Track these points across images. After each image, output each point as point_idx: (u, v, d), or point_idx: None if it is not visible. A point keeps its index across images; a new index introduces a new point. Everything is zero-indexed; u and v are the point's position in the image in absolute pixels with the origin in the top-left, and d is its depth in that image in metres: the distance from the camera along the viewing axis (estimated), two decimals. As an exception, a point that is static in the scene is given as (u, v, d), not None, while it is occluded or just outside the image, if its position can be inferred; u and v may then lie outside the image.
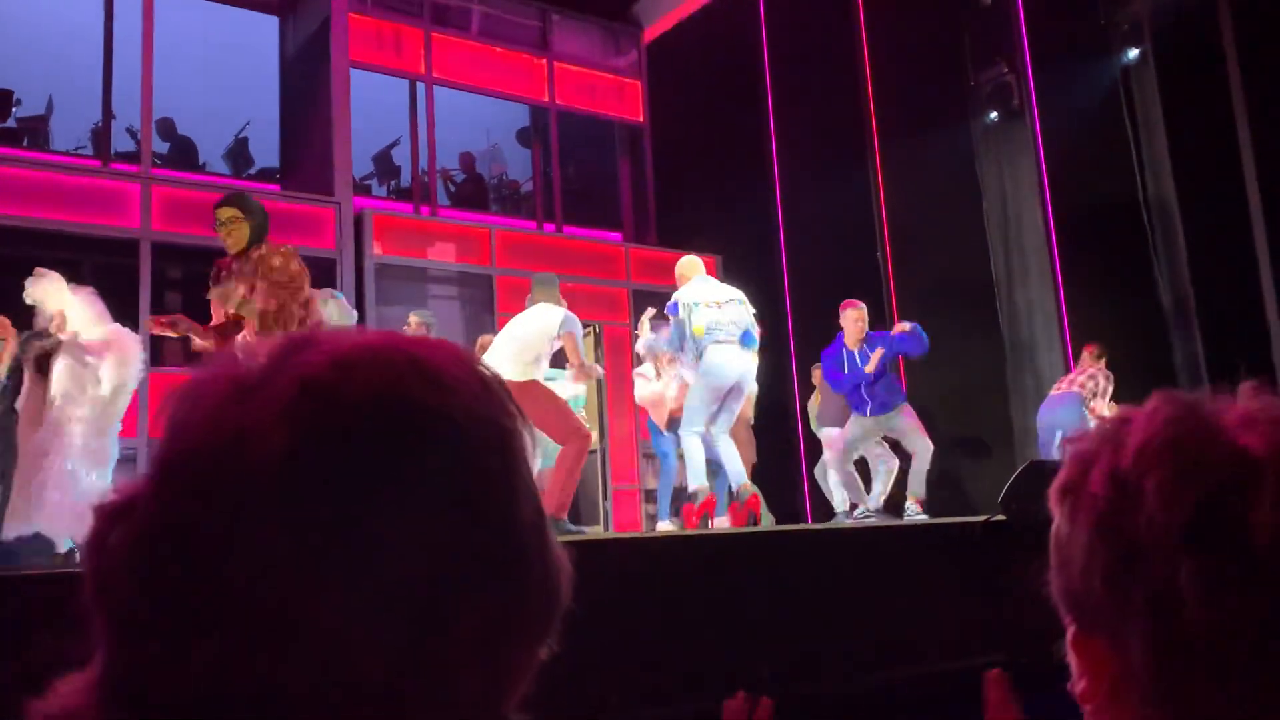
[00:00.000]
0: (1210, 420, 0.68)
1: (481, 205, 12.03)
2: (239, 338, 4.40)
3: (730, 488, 6.20)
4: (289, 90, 10.86)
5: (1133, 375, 7.91)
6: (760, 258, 10.80)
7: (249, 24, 10.87)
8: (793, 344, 10.24)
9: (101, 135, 9.75)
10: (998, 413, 9.22)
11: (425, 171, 10.93)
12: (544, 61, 11.61)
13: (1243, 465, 0.65)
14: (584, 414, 7.95)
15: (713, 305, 6.10)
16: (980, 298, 9.50)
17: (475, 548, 0.50)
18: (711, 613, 2.87)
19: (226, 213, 4.46)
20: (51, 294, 5.64)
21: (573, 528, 5.44)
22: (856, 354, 7.06)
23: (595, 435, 8.15)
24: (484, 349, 6.28)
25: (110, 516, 0.50)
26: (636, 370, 7.98)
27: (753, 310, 6.30)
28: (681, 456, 6.54)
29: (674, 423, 7.22)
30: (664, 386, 7.66)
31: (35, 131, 9.98)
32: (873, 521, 6.62)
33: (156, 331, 4.62)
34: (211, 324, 4.59)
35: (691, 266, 6.41)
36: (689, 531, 5.76)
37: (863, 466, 7.53)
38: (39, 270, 5.75)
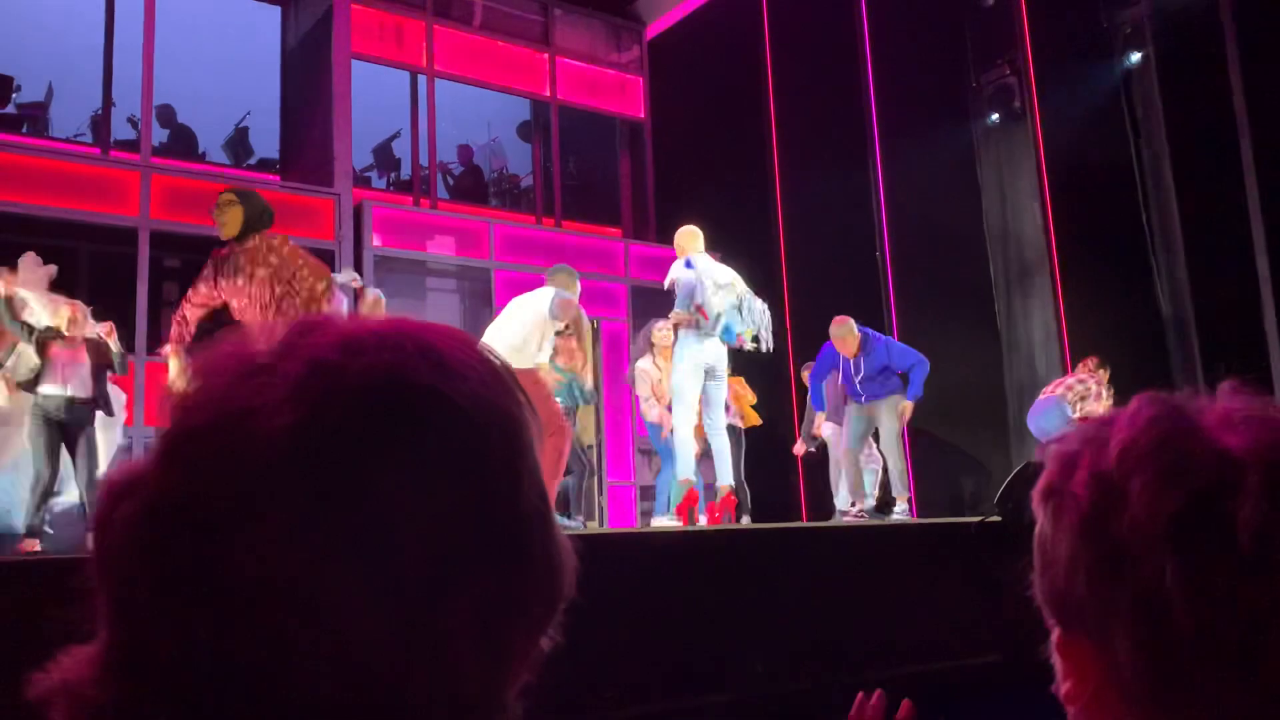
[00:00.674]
0: (1192, 420, 0.68)
1: (480, 198, 12.03)
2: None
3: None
4: (290, 81, 10.85)
5: (1129, 379, 7.92)
6: (759, 256, 10.79)
7: (251, 13, 10.85)
8: (790, 343, 10.23)
9: (101, 123, 9.74)
10: (995, 413, 9.23)
11: (426, 165, 10.93)
12: (546, 56, 11.61)
13: (1225, 465, 0.65)
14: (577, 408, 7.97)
15: (712, 285, 6.10)
16: (979, 299, 9.51)
17: (478, 528, 0.51)
18: (705, 608, 2.87)
19: (224, 196, 4.45)
20: None
21: (564, 520, 5.45)
22: (853, 364, 7.07)
23: (591, 431, 8.17)
24: None
25: (117, 493, 0.50)
26: (639, 366, 7.95)
27: (750, 293, 6.24)
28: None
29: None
30: (665, 377, 7.66)
31: (35, 118, 9.97)
32: (866, 521, 6.62)
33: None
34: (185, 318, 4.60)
35: (692, 238, 6.38)
36: (684, 528, 5.76)
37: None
38: None
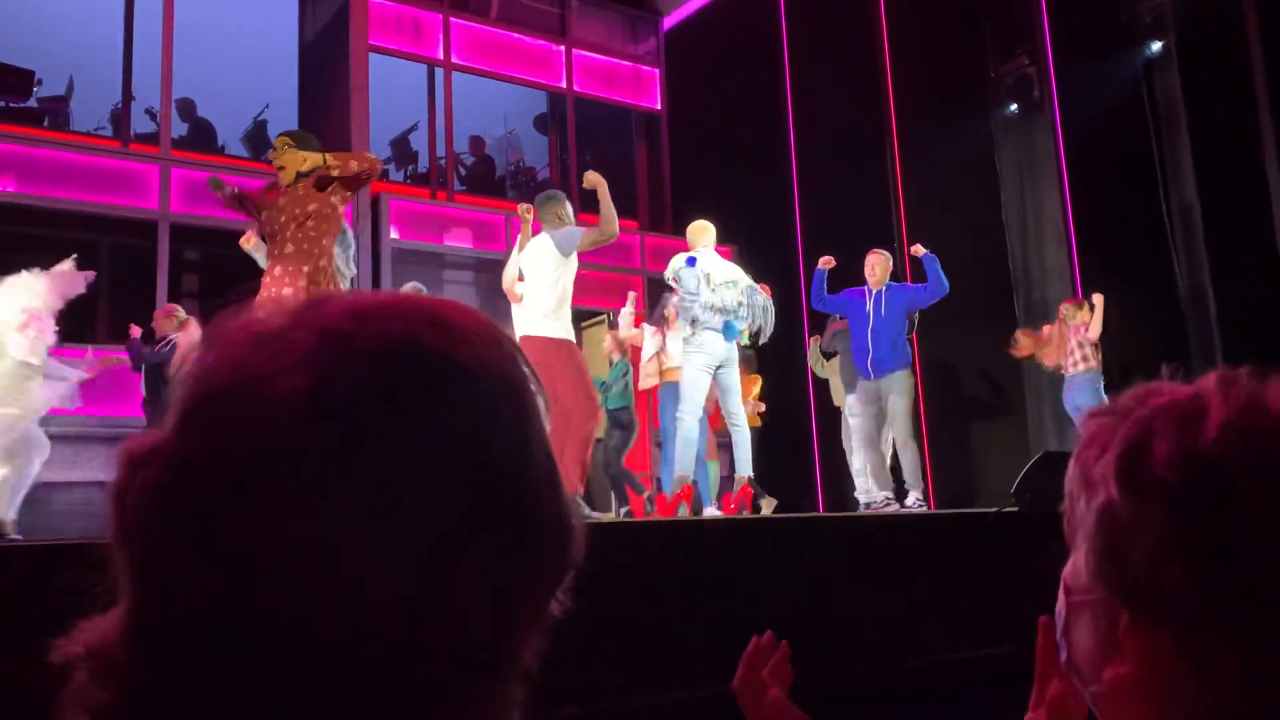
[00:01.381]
0: (1272, 404, 0.66)
1: (492, 187, 12.04)
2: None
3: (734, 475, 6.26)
4: (308, 74, 10.89)
5: (1150, 370, 7.84)
6: (776, 248, 10.77)
7: (269, 7, 10.90)
8: (806, 336, 10.21)
9: (121, 116, 9.80)
10: (1015, 405, 9.19)
11: (443, 157, 10.95)
12: (562, 48, 11.60)
13: None
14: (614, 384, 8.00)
15: (714, 286, 6.10)
16: (998, 290, 9.46)
17: (488, 487, 0.52)
18: (717, 598, 2.87)
19: (279, 140, 4.58)
20: None
21: (586, 511, 5.45)
22: (881, 294, 7.06)
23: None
24: None
25: (133, 463, 0.51)
26: (647, 326, 8.01)
27: (754, 288, 6.24)
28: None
29: (670, 387, 7.27)
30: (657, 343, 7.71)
31: (56, 112, 10.03)
32: (883, 512, 6.59)
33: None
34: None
35: (700, 232, 6.41)
36: (697, 518, 5.76)
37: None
38: None
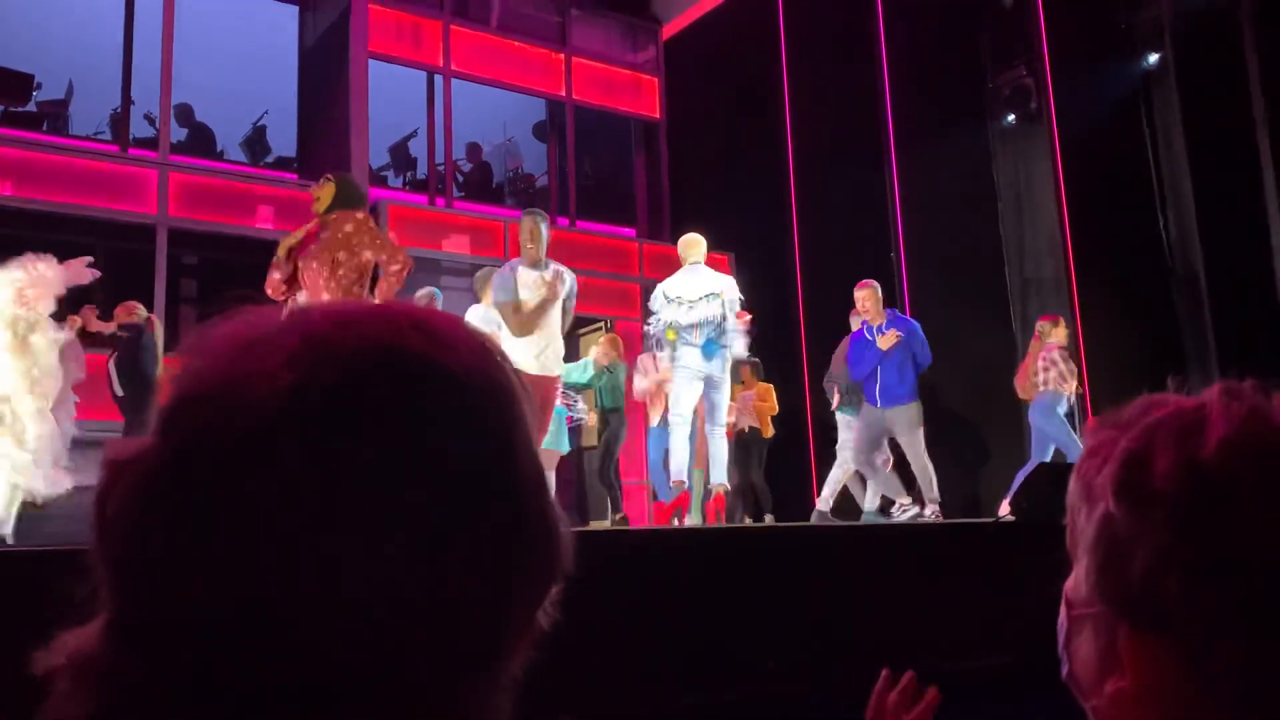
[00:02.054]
0: (1276, 418, 0.66)
1: (491, 196, 12.06)
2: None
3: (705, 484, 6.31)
4: (307, 80, 10.90)
5: (1146, 382, 7.84)
6: (774, 256, 10.79)
7: (269, 13, 10.91)
8: (804, 344, 10.22)
9: (120, 121, 9.81)
10: (1012, 417, 9.17)
11: (441, 164, 10.96)
12: (562, 56, 11.62)
13: None
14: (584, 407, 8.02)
15: (684, 304, 6.10)
16: (994, 301, 9.47)
17: (475, 489, 0.51)
18: (716, 607, 2.87)
19: (323, 180, 4.96)
20: None
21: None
22: (882, 329, 7.03)
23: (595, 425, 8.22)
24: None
25: (116, 467, 0.51)
26: (636, 367, 8.05)
27: (737, 301, 6.24)
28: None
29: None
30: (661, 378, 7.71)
31: (55, 116, 10.04)
32: (882, 522, 6.59)
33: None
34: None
35: (687, 247, 6.41)
36: (695, 527, 5.77)
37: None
38: None
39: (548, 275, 5.58)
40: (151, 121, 9.76)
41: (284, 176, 10.32)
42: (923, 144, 9.62)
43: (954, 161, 9.54)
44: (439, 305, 7.30)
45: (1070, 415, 7.61)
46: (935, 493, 6.88)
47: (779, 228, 10.90)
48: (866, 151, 10.20)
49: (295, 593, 0.47)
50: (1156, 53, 8.87)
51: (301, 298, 4.88)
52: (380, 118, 10.27)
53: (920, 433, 6.94)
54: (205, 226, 8.71)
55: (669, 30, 12.34)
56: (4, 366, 5.17)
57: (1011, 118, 9.65)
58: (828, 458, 8.84)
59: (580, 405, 8.04)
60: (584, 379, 7.89)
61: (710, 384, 6.22)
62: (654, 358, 7.78)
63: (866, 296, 7.08)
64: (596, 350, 8.10)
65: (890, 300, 9.59)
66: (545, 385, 5.58)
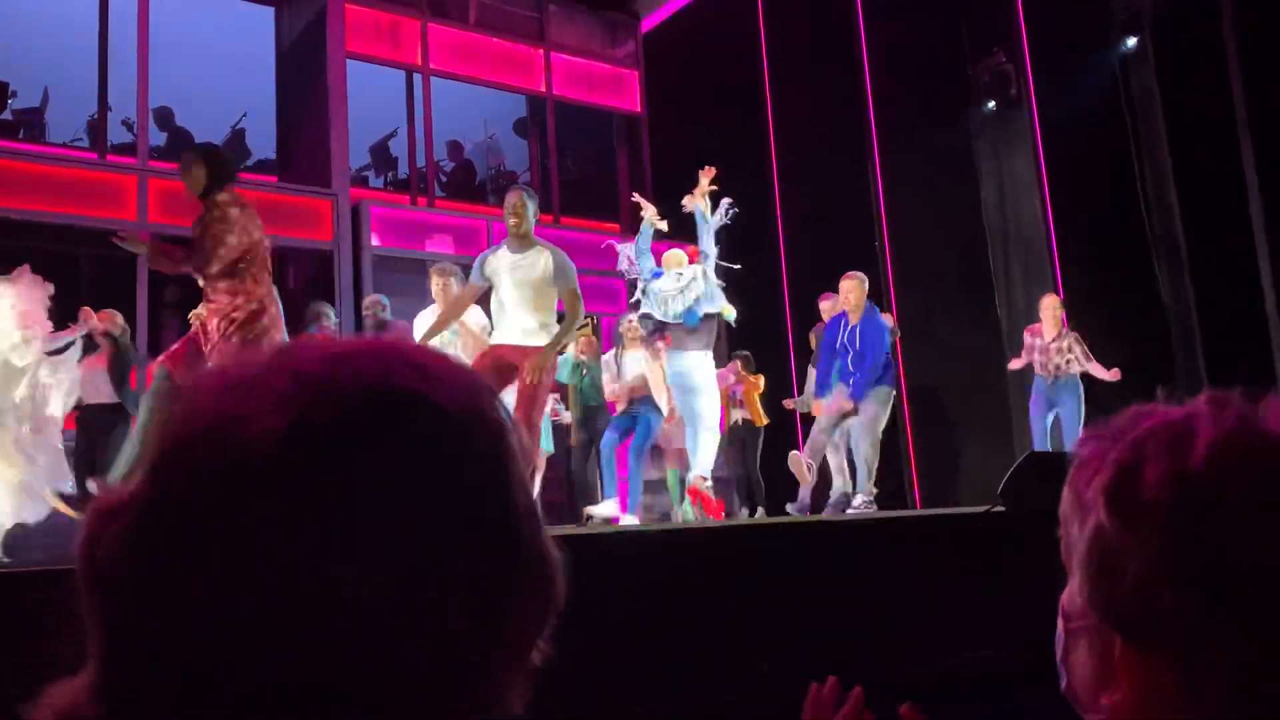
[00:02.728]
0: (1264, 425, 0.66)
1: (474, 195, 12.02)
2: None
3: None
4: (285, 81, 10.84)
5: (1131, 363, 7.90)
6: (759, 249, 10.79)
7: (245, 15, 10.83)
8: (790, 336, 10.23)
9: (98, 127, 9.73)
10: (996, 402, 9.22)
11: (423, 163, 10.92)
12: (541, 52, 11.59)
13: None
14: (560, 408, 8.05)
15: (671, 274, 6.35)
16: (979, 287, 9.50)
17: (470, 525, 0.52)
18: (707, 607, 2.87)
19: (184, 158, 4.61)
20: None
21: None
22: (856, 329, 6.99)
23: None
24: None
25: (104, 515, 0.50)
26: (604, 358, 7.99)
27: (709, 274, 6.36)
28: None
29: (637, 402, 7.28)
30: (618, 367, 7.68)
31: (31, 124, 9.97)
32: (865, 515, 6.57)
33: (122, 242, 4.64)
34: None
35: (667, 262, 6.59)
36: (683, 526, 5.78)
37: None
38: None
39: (538, 258, 5.34)
40: (129, 127, 9.69)
41: (264, 179, 10.26)
42: (904, 132, 9.63)
43: (936, 150, 9.56)
44: (387, 312, 7.30)
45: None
46: (870, 480, 6.82)
47: (763, 220, 10.90)
48: (849, 141, 10.22)
49: (292, 641, 0.47)
50: (1134, 36, 8.91)
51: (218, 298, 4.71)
52: (360, 118, 10.22)
53: (877, 409, 6.85)
54: (187, 231, 8.62)
55: (648, 23, 12.32)
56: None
57: (992, 104, 9.68)
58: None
59: (560, 405, 8.05)
60: (563, 377, 7.88)
61: (684, 390, 6.30)
62: (615, 357, 7.78)
63: (851, 289, 6.99)
64: (574, 348, 8.08)
65: (875, 289, 9.61)
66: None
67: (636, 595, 2.78)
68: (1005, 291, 9.55)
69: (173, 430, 0.51)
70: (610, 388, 7.73)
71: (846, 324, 6.96)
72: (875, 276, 9.73)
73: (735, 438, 8.97)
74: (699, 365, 6.31)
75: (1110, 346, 8.04)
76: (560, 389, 7.97)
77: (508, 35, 11.42)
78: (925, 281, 9.29)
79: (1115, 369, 7.35)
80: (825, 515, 6.79)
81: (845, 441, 7.09)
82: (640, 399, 7.23)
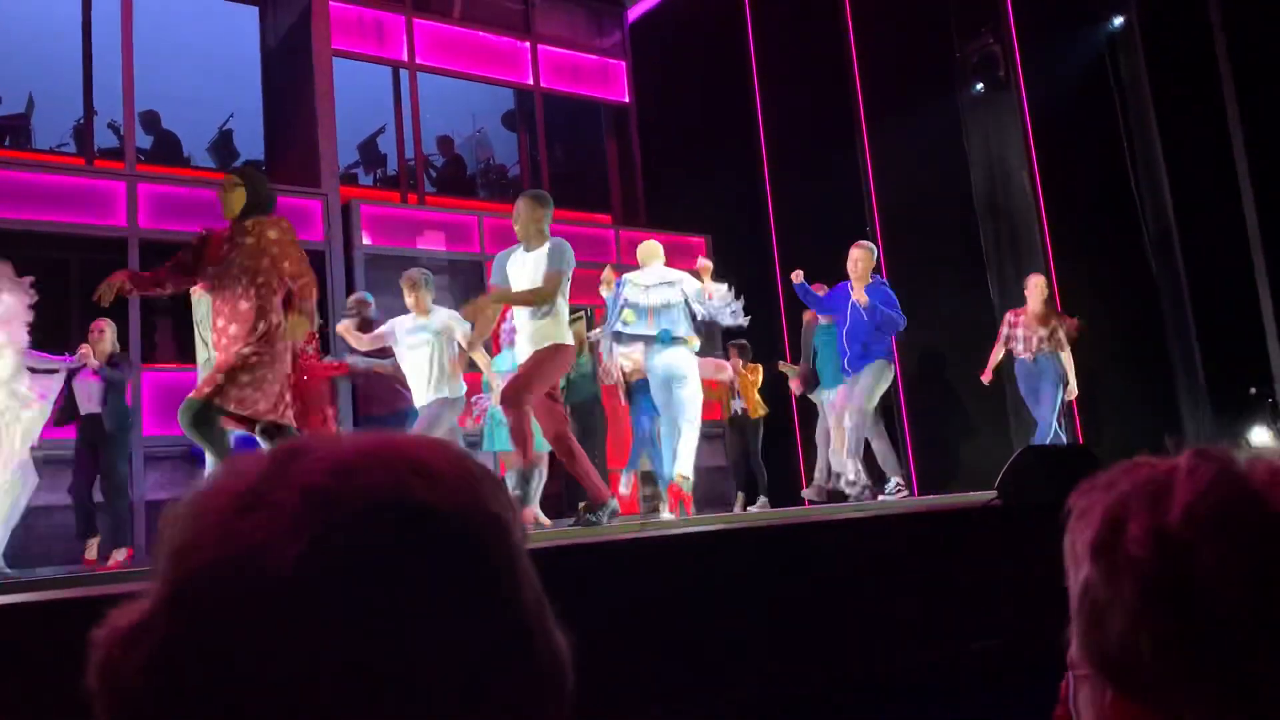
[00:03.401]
0: (1247, 481, 0.67)
1: (465, 189, 11.99)
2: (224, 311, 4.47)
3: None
4: (271, 81, 10.79)
5: (1124, 343, 7.93)
6: (750, 236, 10.80)
7: (229, 15, 10.78)
8: (784, 324, 10.24)
9: (84, 132, 9.69)
10: (991, 386, 9.24)
11: (412, 159, 10.88)
12: (527, 44, 11.54)
13: None
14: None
15: (640, 286, 6.22)
16: (971, 270, 9.51)
17: (486, 634, 0.53)
18: (705, 605, 2.88)
19: (228, 180, 4.68)
20: None
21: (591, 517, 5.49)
22: (851, 308, 7.04)
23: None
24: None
25: (121, 643, 0.51)
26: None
27: (698, 288, 6.27)
28: None
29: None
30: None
31: (17, 130, 9.91)
32: (865, 506, 6.61)
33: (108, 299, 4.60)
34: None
35: (646, 255, 6.54)
36: (682, 530, 5.80)
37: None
38: None
39: (540, 254, 5.50)
40: (116, 131, 9.64)
41: (253, 180, 10.21)
42: (893, 116, 9.62)
43: (925, 132, 9.55)
44: (371, 309, 7.30)
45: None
46: (846, 460, 6.87)
47: (754, 207, 10.90)
48: (838, 126, 10.21)
49: None
50: (1121, 15, 8.90)
51: (201, 306, 4.72)
52: (347, 115, 10.18)
53: (870, 384, 6.89)
54: (177, 236, 8.58)
55: (634, 13, 12.27)
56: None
57: (980, 86, 9.66)
58: (812, 441, 8.88)
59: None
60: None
61: (668, 383, 6.24)
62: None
63: (861, 256, 7.10)
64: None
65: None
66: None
67: (636, 595, 2.78)
68: (997, 272, 9.56)
69: (185, 558, 0.52)
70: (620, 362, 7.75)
71: (852, 292, 7.06)
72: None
73: (735, 427, 9.01)
74: (682, 354, 6.28)
75: (1101, 321, 8.07)
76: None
77: (493, 28, 11.37)
78: (917, 265, 9.29)
79: (1074, 389, 7.49)
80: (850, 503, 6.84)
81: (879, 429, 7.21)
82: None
